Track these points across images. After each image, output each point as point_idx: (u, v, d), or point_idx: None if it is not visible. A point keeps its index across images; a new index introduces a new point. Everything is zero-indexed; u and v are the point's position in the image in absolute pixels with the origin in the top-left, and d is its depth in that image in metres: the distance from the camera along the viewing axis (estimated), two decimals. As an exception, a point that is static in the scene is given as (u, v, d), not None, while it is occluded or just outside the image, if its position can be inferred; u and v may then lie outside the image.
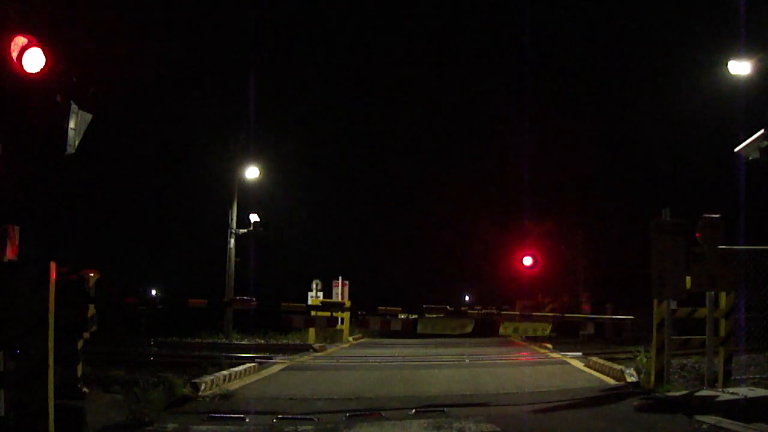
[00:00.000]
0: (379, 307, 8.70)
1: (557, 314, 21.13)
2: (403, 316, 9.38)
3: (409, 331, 9.47)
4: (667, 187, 20.89)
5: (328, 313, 10.50)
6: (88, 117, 5.50)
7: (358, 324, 19.86)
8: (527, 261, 23.04)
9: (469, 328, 9.09)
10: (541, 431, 5.85)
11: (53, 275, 4.72)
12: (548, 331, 9.18)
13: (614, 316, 19.80)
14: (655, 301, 7.55)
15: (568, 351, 13.43)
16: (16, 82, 5.02)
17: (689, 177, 21.16)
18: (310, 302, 19.49)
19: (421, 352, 14.85)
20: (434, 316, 9.12)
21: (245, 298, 10.90)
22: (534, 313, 9.19)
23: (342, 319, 19.65)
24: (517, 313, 8.87)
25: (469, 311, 9.42)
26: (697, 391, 6.96)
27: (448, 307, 8.73)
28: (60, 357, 4.94)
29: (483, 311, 9.48)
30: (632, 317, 12.53)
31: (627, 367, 8.77)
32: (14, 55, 4.99)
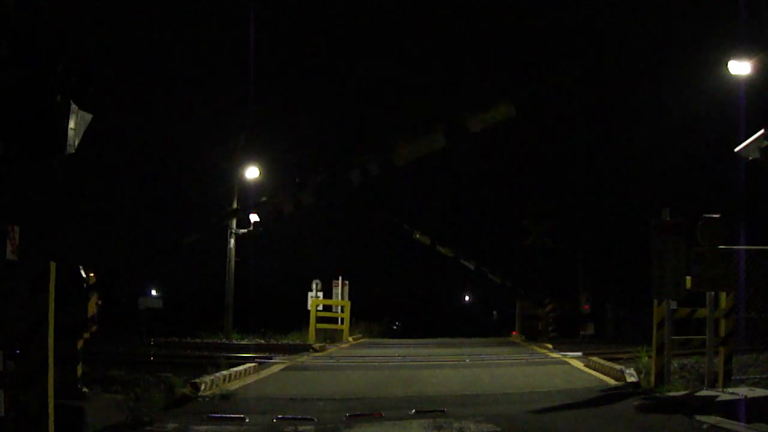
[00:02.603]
0: None
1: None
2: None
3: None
4: (667, 187, 20.87)
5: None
6: (88, 117, 5.51)
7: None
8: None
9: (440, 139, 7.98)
10: (541, 431, 5.85)
11: (53, 275, 4.72)
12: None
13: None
14: (655, 301, 7.55)
15: (568, 351, 13.43)
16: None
17: (689, 177, 21.15)
18: (310, 302, 19.52)
19: (420, 352, 14.85)
20: None
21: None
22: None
23: (342, 319, 19.66)
24: None
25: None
26: (697, 391, 6.96)
27: None
28: (60, 357, 4.94)
29: None
30: (631, 317, 12.57)
31: (627, 367, 8.77)
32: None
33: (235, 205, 20.95)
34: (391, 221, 26.09)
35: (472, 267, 23.88)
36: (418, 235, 22.98)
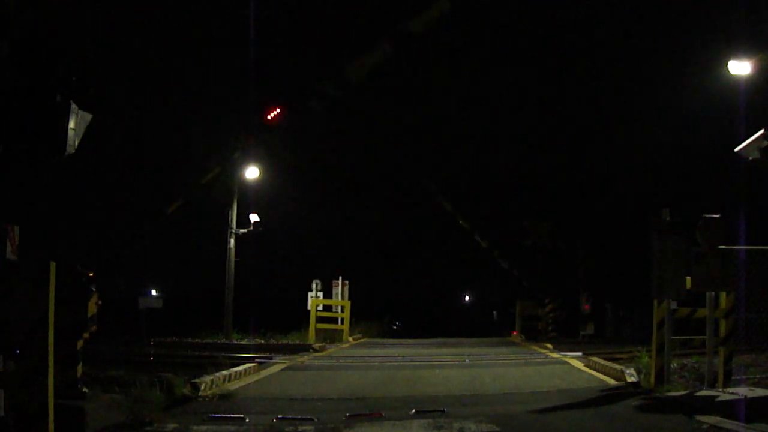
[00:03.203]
0: None
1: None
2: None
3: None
4: (667, 187, 20.84)
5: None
6: (88, 117, 5.51)
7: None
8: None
9: None
10: (541, 431, 5.85)
11: (53, 275, 4.72)
12: None
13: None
14: (655, 302, 7.55)
15: (568, 351, 13.44)
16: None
17: (689, 177, 21.11)
18: (310, 302, 19.53)
19: (420, 352, 14.85)
20: None
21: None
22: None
23: (342, 320, 19.67)
24: None
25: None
26: (697, 391, 6.97)
27: None
28: (60, 357, 4.94)
29: None
30: (631, 317, 12.58)
31: (627, 367, 8.78)
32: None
33: (235, 205, 20.94)
34: (419, 180, 26.16)
35: (484, 245, 23.86)
36: (440, 199, 23.00)
